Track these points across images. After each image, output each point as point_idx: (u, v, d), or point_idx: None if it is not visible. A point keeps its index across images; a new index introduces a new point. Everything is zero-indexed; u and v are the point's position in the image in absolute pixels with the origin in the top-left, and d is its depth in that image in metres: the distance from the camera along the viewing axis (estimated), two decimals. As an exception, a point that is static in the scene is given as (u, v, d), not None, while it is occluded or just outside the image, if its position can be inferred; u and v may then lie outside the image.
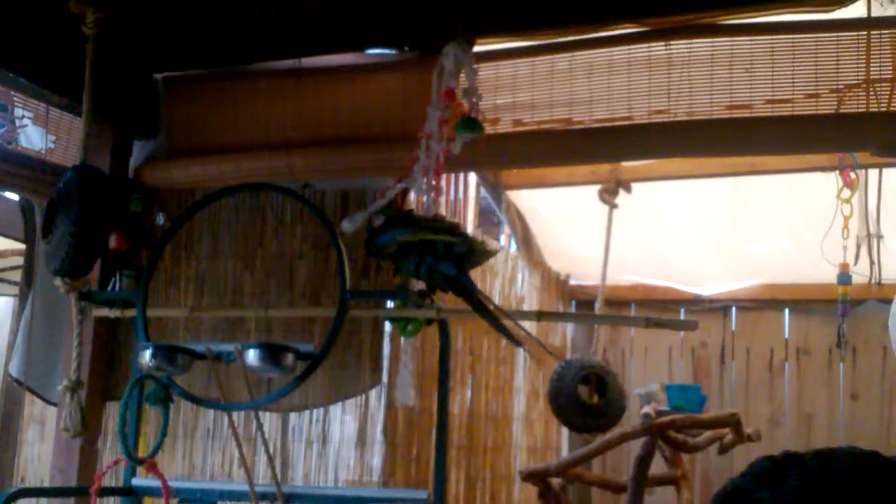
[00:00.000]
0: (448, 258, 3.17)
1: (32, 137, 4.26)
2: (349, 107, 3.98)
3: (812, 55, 3.45)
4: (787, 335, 5.96)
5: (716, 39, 3.57)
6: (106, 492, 3.62)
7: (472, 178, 5.13)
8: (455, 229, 3.26)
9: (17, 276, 6.00)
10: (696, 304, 6.10)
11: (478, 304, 3.22)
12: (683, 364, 6.11)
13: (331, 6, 3.72)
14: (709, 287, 6.10)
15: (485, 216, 6.12)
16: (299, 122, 4.04)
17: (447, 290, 3.25)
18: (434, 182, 3.32)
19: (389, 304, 3.54)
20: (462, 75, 3.41)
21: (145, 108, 4.23)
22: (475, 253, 3.25)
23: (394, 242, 3.21)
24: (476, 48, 3.54)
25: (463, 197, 4.97)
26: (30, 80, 3.69)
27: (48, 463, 4.85)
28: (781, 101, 3.49)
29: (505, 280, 5.21)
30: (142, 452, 3.59)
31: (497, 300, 5.10)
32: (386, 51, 4.14)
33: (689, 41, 3.59)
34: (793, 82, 3.46)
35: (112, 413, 4.10)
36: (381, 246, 3.25)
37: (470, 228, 4.86)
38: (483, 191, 5.32)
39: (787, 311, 5.97)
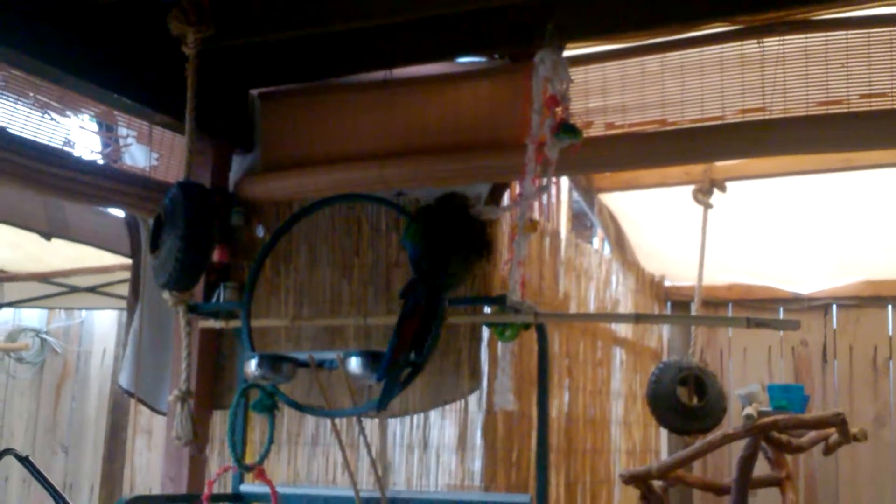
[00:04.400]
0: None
1: (136, 156, 4.40)
2: (439, 115, 4.02)
3: (910, 47, 3.39)
4: (890, 332, 5.83)
5: (809, 35, 3.53)
6: (216, 498, 3.72)
7: (565, 181, 5.13)
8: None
9: (122, 289, 6.21)
10: (795, 302, 6.00)
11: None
12: (784, 363, 6.02)
13: (422, 17, 3.77)
14: (808, 285, 5.99)
15: (578, 220, 6.12)
16: (391, 132, 4.10)
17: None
18: (545, 186, 3.37)
19: (487, 309, 3.57)
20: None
21: (242, 124, 4.34)
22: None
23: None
24: (565, 52, 3.56)
25: (556, 201, 4.98)
26: (133, 100, 3.80)
27: (156, 471, 5.00)
28: (878, 95, 3.44)
29: (599, 283, 5.20)
30: (248, 459, 3.68)
31: (592, 303, 5.10)
32: (476, 59, 4.17)
33: (783, 38, 3.55)
34: (891, 75, 3.40)
35: (218, 421, 4.21)
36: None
37: (563, 232, 4.86)
38: (575, 194, 5.32)
39: (889, 307, 5.84)
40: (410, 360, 3.21)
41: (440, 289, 3.24)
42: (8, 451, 3.59)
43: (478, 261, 3.53)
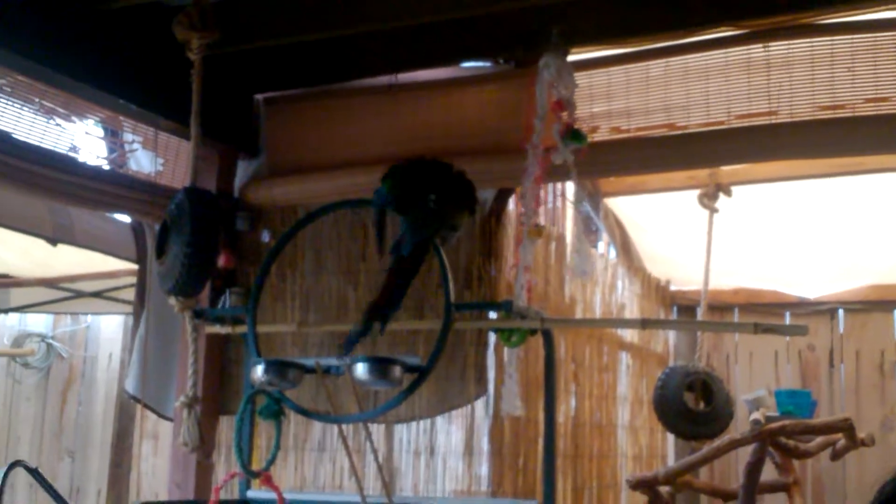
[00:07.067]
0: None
1: (142, 161, 4.40)
2: (444, 120, 4.02)
3: (916, 51, 3.38)
4: (897, 336, 5.82)
5: (815, 39, 3.52)
6: (223, 504, 3.71)
7: (570, 186, 5.12)
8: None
9: (128, 294, 6.20)
10: (801, 307, 5.99)
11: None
12: (790, 368, 6.00)
13: (426, 22, 3.76)
14: (814, 289, 5.98)
15: (583, 224, 6.11)
16: (396, 137, 4.10)
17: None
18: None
19: (493, 315, 3.56)
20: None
21: (247, 129, 4.34)
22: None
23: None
24: (569, 57, 3.55)
25: (561, 205, 4.97)
26: (138, 106, 3.81)
27: (162, 477, 4.97)
28: (884, 100, 3.43)
29: (605, 287, 5.19)
30: (255, 465, 3.67)
31: (598, 308, 5.09)
32: (481, 63, 4.17)
33: (788, 42, 3.55)
34: (896, 79, 3.40)
35: (224, 427, 4.20)
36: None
37: (569, 237, 4.85)
38: (581, 199, 5.31)
39: (896, 312, 5.83)
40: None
41: (424, 230, 3.28)
42: (17, 464, 3.57)
43: (460, 209, 3.46)
